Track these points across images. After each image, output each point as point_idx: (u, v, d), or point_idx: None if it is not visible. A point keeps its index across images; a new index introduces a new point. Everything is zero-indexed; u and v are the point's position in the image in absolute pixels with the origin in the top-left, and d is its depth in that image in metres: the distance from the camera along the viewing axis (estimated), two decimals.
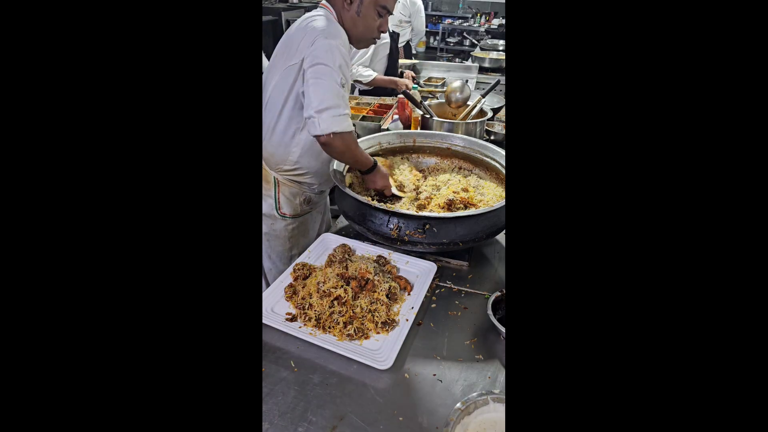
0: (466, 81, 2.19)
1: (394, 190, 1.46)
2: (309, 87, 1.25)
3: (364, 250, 1.25)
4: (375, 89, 2.98)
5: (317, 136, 1.27)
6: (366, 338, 0.97)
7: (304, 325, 0.99)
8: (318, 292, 1.04)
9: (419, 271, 1.18)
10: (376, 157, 1.46)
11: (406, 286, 1.12)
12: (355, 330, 0.97)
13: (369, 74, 2.90)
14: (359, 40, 1.44)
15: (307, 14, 1.38)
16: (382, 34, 1.44)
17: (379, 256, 1.21)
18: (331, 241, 1.29)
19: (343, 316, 0.99)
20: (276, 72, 1.38)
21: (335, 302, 1.02)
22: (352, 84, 3.30)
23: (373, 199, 1.35)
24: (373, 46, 2.87)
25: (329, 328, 0.98)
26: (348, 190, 1.25)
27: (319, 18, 1.32)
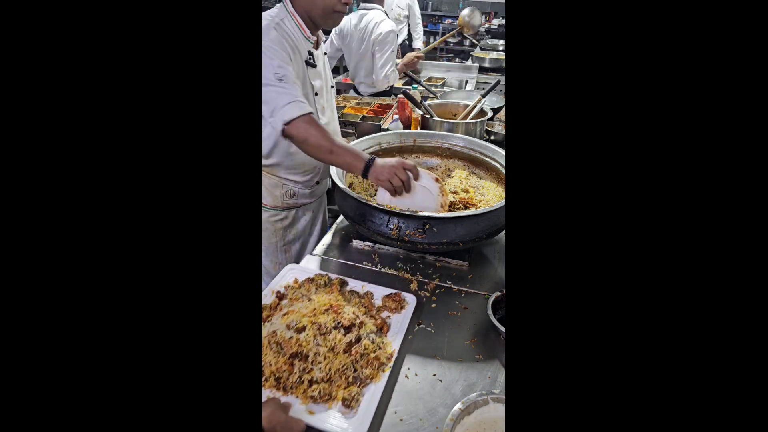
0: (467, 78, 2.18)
1: (423, 181, 1.26)
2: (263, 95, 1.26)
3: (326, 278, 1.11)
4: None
5: (282, 134, 1.27)
6: (335, 400, 0.81)
7: (263, 386, 0.84)
8: (269, 346, 0.88)
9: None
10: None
11: (383, 326, 0.97)
12: (320, 392, 0.81)
13: (396, 77, 2.82)
14: (325, 16, 1.35)
15: None
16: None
17: (342, 283, 1.07)
18: (293, 274, 1.15)
19: (307, 372, 0.84)
20: None
21: (295, 359, 0.86)
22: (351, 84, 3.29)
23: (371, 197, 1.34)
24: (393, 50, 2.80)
25: (291, 389, 0.83)
26: (348, 190, 1.25)
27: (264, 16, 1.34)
